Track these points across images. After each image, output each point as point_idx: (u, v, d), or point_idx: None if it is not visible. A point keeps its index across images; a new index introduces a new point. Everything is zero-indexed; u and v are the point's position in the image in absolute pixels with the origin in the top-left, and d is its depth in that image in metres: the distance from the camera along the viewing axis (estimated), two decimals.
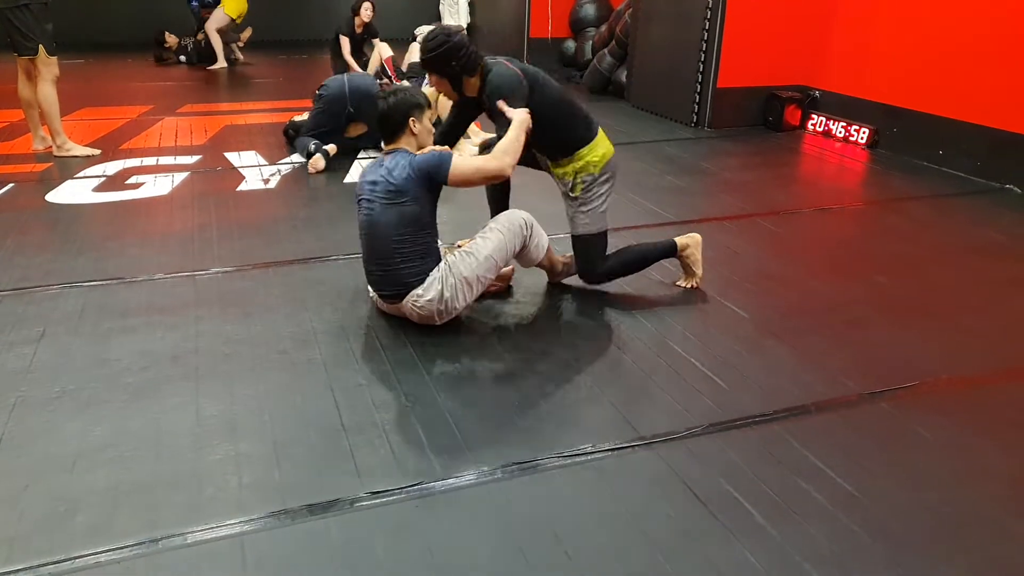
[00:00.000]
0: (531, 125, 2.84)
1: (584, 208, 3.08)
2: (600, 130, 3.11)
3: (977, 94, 4.94)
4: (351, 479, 2.06)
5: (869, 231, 4.17)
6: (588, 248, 3.13)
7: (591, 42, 8.24)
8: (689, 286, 3.26)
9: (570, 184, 3.08)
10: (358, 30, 7.35)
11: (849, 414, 2.42)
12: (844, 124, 5.94)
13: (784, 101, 6.23)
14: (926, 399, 2.51)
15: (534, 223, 2.95)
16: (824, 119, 6.12)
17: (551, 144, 3.08)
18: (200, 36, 9.30)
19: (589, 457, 2.17)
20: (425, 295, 2.76)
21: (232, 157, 5.28)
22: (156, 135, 5.85)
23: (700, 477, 2.09)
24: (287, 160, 5.20)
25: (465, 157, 2.90)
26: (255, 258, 3.55)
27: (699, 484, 2.06)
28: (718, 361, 2.70)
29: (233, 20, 9.12)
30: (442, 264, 2.80)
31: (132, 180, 4.72)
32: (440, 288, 2.75)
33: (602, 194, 3.09)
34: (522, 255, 2.97)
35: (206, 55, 9.33)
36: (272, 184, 4.72)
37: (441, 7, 12.20)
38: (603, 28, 7.97)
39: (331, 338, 2.81)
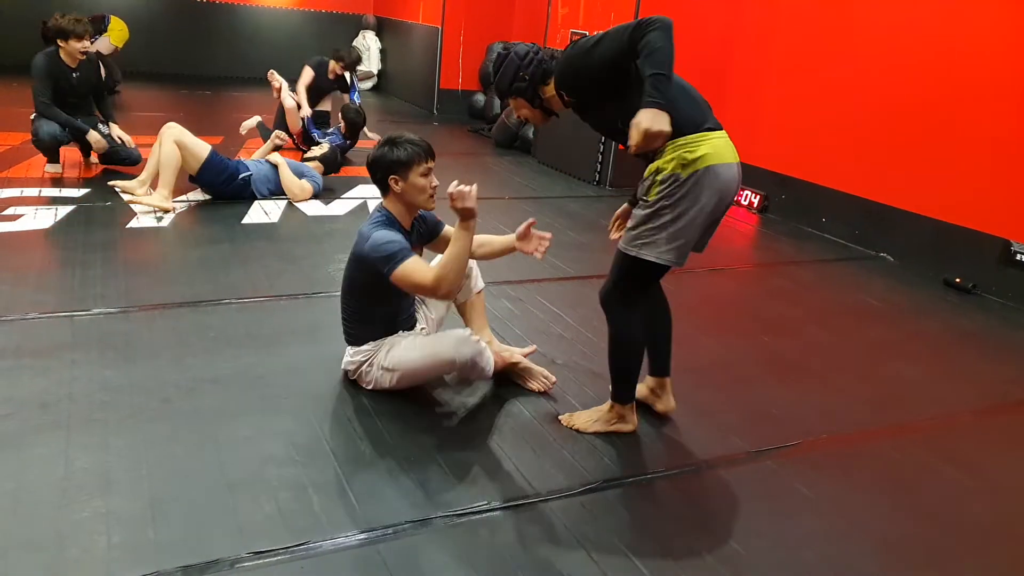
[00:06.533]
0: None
1: (641, 217, 2.32)
2: (721, 132, 2.42)
3: (854, 167, 5.33)
4: (233, 538, 1.95)
5: (757, 292, 4.39)
6: (617, 266, 2.44)
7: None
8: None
9: (647, 185, 2.33)
10: (330, 76, 6.84)
11: (737, 471, 2.50)
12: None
13: None
14: (807, 457, 2.63)
15: (472, 360, 2.58)
16: None
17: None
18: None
19: (485, 515, 2.14)
20: (351, 359, 2.74)
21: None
22: (40, 164, 5.52)
23: (592, 533, 2.10)
24: (183, 198, 5.02)
25: (419, 265, 2.49)
26: (141, 299, 3.37)
27: (591, 540, 2.07)
28: None
29: (117, 48, 8.88)
30: (385, 343, 2.67)
31: (10, 211, 4.43)
32: (364, 363, 2.69)
33: (676, 214, 2.28)
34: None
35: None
36: (165, 222, 4.53)
37: None
38: None
39: (218, 387, 2.69)
